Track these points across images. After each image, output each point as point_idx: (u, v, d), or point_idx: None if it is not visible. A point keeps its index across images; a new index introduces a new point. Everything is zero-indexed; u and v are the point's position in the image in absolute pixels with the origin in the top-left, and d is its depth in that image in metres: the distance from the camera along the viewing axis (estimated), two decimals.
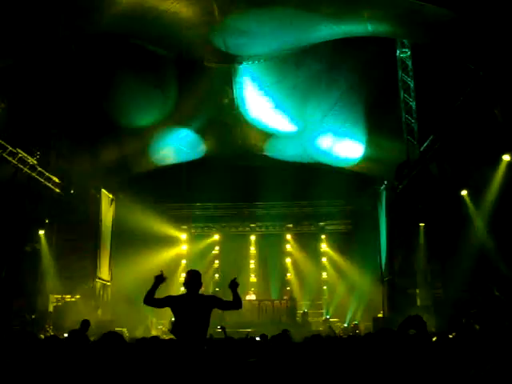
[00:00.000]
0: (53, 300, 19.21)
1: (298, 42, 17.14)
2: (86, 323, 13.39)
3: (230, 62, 18.40)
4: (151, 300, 6.66)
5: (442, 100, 15.64)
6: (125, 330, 17.64)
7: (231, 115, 20.86)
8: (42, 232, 18.72)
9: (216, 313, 6.92)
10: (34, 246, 18.39)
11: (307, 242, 26.50)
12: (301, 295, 25.90)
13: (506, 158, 13.20)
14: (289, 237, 27.29)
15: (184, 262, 26.24)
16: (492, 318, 10.19)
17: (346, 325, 22.78)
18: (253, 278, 26.61)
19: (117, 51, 17.46)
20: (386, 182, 21.37)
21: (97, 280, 20.66)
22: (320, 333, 15.72)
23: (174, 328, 7.16)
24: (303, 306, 25.16)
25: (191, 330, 6.38)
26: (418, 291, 19.49)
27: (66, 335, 12.92)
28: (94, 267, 20.61)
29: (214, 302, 6.85)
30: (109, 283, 22.13)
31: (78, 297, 19.64)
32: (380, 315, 21.35)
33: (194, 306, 6.52)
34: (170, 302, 6.66)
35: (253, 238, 27.24)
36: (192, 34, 16.53)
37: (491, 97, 12.89)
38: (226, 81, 19.35)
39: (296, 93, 19.70)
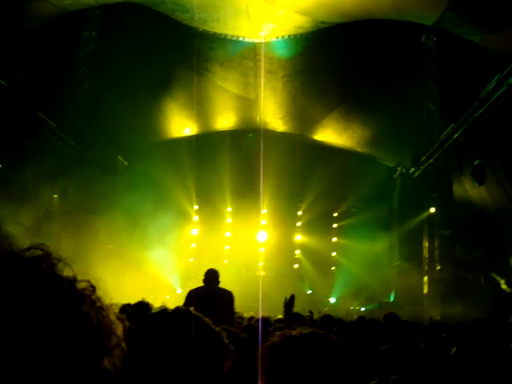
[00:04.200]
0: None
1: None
2: None
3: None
4: None
5: (466, 89, 15.49)
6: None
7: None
8: (55, 195, 18.85)
9: None
10: (48, 208, 18.50)
11: (319, 223, 26.46)
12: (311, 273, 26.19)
13: None
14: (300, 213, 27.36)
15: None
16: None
17: (351, 308, 22.88)
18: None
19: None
20: (401, 169, 21.30)
21: (108, 246, 20.77)
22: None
23: None
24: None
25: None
26: (425, 279, 19.50)
27: None
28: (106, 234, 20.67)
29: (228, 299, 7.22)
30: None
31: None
32: (386, 300, 21.43)
33: (210, 297, 6.81)
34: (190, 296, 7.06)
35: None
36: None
37: None
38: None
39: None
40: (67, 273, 0.94)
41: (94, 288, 0.96)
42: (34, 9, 15.60)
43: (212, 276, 7.53)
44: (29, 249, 0.92)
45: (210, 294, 7.07)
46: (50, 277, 0.88)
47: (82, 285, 0.93)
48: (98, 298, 0.95)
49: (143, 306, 7.14)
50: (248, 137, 24.47)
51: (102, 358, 0.86)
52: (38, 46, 16.40)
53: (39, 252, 0.92)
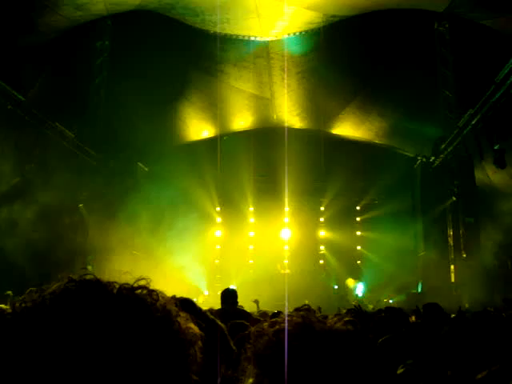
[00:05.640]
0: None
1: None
2: None
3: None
4: None
5: (481, 74, 15.33)
6: None
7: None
8: (81, 205, 19.07)
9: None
10: (73, 219, 18.69)
11: (342, 217, 26.36)
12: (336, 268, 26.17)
13: None
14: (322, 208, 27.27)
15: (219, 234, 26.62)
16: None
17: (380, 300, 22.74)
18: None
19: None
20: (421, 158, 21.16)
21: (134, 252, 20.89)
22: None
23: None
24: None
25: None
26: (452, 267, 19.35)
27: None
28: (131, 241, 20.79)
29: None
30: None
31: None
32: (414, 291, 21.31)
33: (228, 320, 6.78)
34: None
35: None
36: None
37: None
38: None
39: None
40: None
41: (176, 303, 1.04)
42: (46, 22, 15.82)
43: (232, 297, 7.43)
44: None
45: (233, 317, 7.00)
46: (139, 307, 0.95)
47: (162, 303, 1.00)
48: (176, 311, 1.02)
49: (189, 302, 7.09)
50: (223, 139, 24.25)
51: (190, 365, 0.96)
52: (53, 59, 16.62)
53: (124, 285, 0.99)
